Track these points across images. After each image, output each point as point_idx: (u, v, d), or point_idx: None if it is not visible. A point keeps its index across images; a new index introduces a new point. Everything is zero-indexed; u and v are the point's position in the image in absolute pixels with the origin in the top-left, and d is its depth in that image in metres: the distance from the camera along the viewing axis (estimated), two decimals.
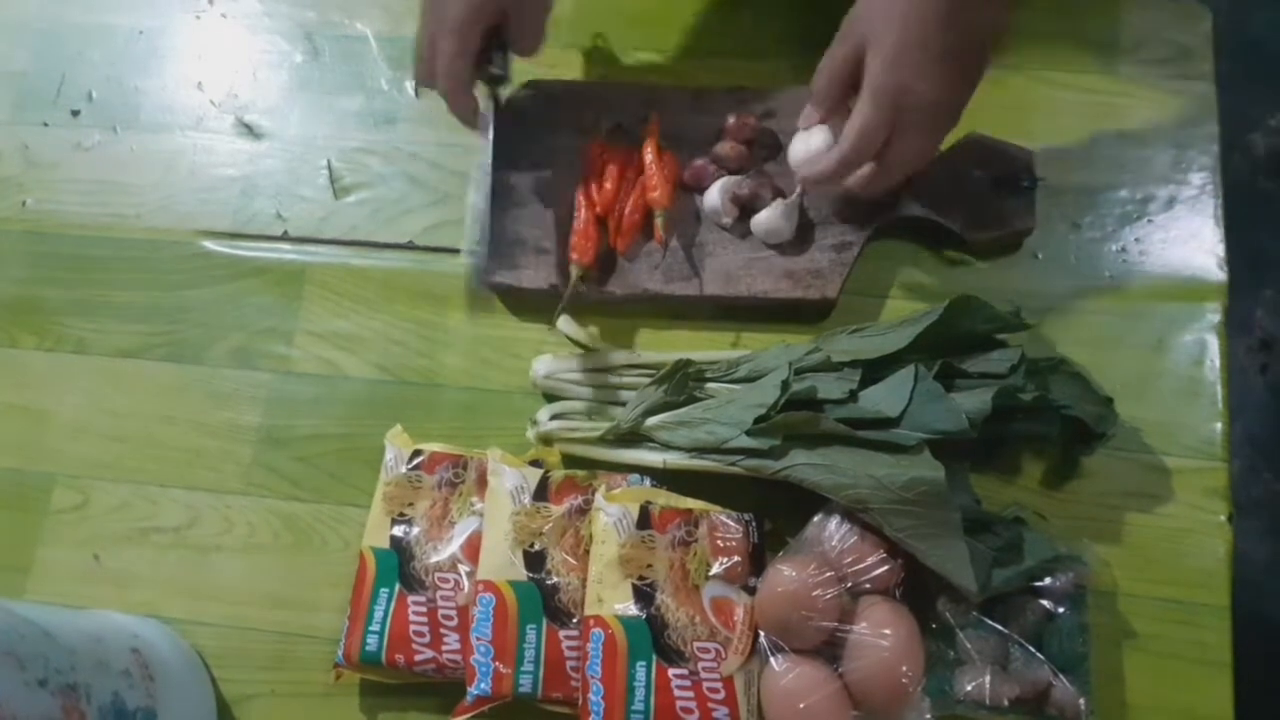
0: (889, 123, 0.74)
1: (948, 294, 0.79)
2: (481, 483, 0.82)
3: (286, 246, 0.95)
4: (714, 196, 0.87)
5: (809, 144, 0.82)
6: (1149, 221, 0.86)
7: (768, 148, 0.89)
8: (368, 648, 0.78)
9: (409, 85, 0.99)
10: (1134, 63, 0.90)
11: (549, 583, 0.78)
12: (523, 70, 0.95)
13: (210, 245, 0.96)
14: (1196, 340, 0.83)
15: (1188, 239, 0.85)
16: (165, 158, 1.00)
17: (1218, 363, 0.82)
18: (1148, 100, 0.89)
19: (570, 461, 0.84)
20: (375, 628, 0.79)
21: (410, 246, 0.94)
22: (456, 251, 0.93)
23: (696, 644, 0.74)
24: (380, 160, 0.97)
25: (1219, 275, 0.84)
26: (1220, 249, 0.85)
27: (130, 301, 0.95)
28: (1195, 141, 0.88)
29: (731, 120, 0.88)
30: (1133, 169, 0.88)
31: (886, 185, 0.81)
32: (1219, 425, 0.81)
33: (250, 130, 1.00)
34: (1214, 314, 0.83)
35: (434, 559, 0.80)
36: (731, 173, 0.88)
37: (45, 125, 1.02)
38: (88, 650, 0.74)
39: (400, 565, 0.81)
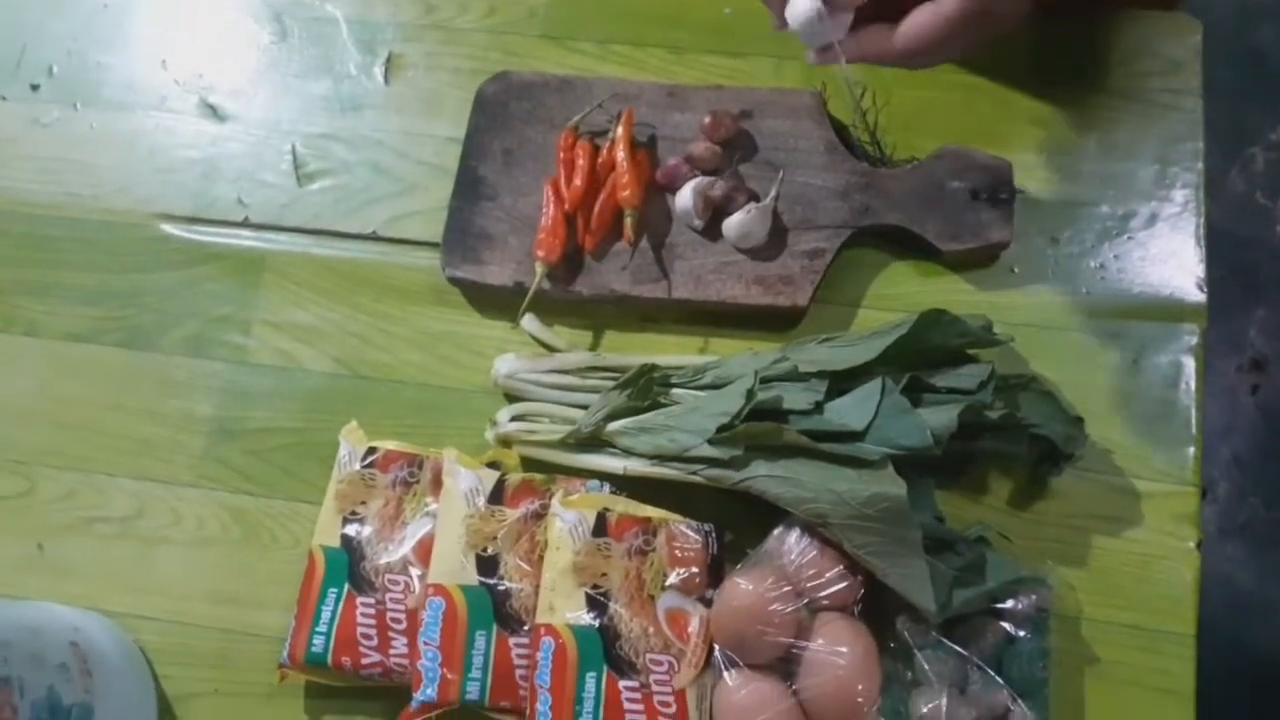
0: (969, 31, 0.65)
1: (920, 305, 0.77)
2: (436, 483, 0.80)
3: (247, 233, 0.93)
4: (686, 198, 0.84)
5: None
6: (1129, 238, 0.85)
7: (743, 149, 0.87)
8: (313, 649, 0.77)
9: (378, 71, 0.97)
10: (1121, 75, 0.88)
11: (501, 588, 0.76)
12: (494, 60, 0.94)
13: (168, 229, 0.94)
14: (1172, 362, 0.81)
15: (1168, 258, 0.84)
16: (126, 137, 0.97)
17: (1193, 385, 0.81)
18: (1133, 114, 0.87)
19: (529, 464, 0.82)
20: (322, 629, 0.77)
21: (374, 237, 0.91)
22: (420, 244, 0.91)
23: (649, 656, 0.73)
24: (345, 147, 0.95)
25: (1198, 296, 0.83)
26: (1201, 269, 0.83)
27: (83, 284, 0.93)
28: (1180, 158, 0.86)
29: (707, 119, 0.86)
30: (1115, 184, 0.86)
31: (891, 65, 0.71)
32: (1192, 450, 0.79)
33: (214, 111, 0.97)
34: (1191, 335, 0.82)
35: (385, 560, 0.78)
36: (705, 174, 0.86)
37: (3, 99, 1.00)
38: (22, 643, 0.72)
39: (350, 565, 0.79)
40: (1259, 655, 1.57)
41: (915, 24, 0.66)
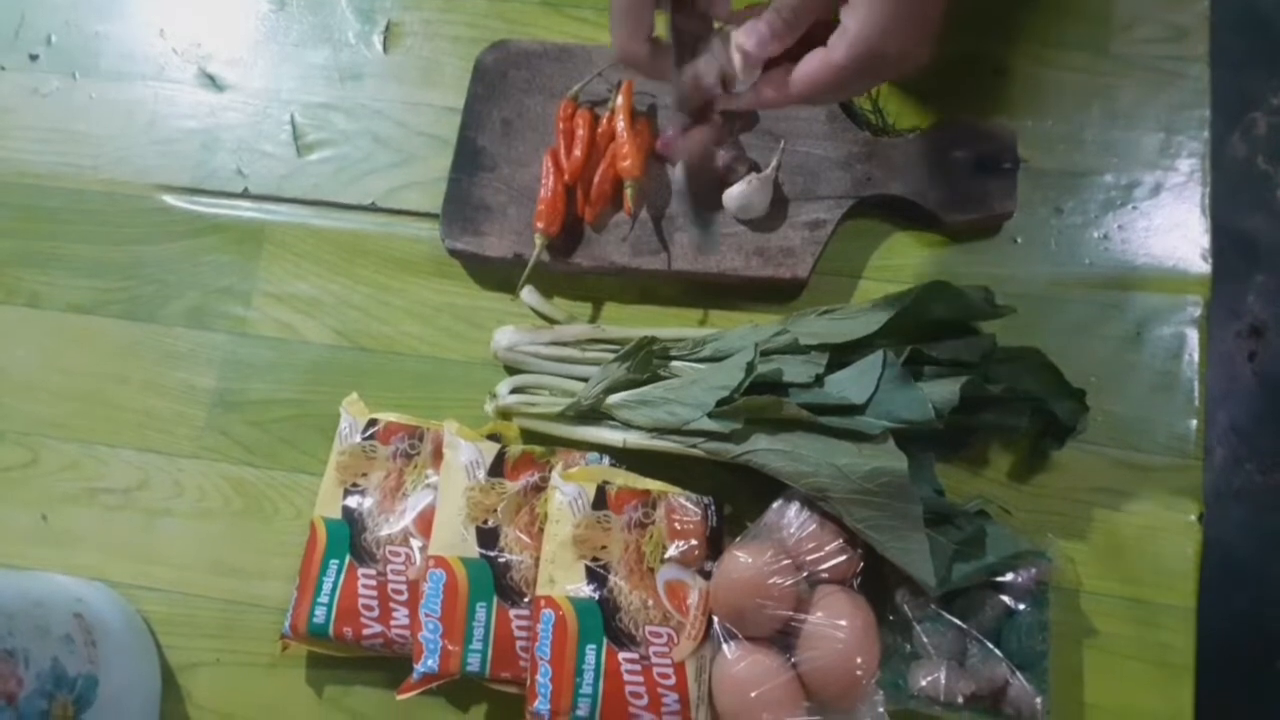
0: (857, 77, 0.65)
1: (922, 276, 0.76)
2: (437, 455, 0.81)
3: (247, 204, 0.93)
4: None
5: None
6: (1133, 208, 0.84)
7: (744, 118, 0.86)
8: (315, 620, 0.77)
9: (376, 39, 0.96)
10: (1126, 41, 0.87)
11: (501, 560, 0.76)
12: (493, 28, 0.93)
13: (169, 200, 0.93)
14: (1176, 333, 0.81)
15: (1172, 228, 0.83)
16: (125, 107, 0.97)
17: (1196, 358, 0.80)
18: (1139, 81, 0.86)
19: (529, 437, 0.82)
20: (324, 600, 0.78)
21: (373, 208, 0.91)
22: (419, 215, 0.90)
23: (649, 628, 0.73)
24: (345, 117, 0.94)
25: (1202, 267, 0.82)
26: (1205, 240, 0.82)
27: (84, 255, 0.93)
28: (1186, 126, 0.85)
29: None
30: (1120, 153, 0.85)
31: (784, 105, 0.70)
32: (1194, 422, 0.79)
33: (213, 81, 0.96)
34: (1195, 307, 0.81)
35: (386, 531, 0.79)
36: None
37: (2, 69, 0.99)
38: (26, 615, 0.73)
39: (351, 537, 0.79)
40: (1252, 618, 1.57)
41: (806, 71, 0.65)
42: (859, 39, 0.62)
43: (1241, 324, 1.72)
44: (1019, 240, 0.84)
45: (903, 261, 0.85)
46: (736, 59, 0.65)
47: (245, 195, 0.93)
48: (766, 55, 0.65)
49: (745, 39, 0.64)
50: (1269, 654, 1.54)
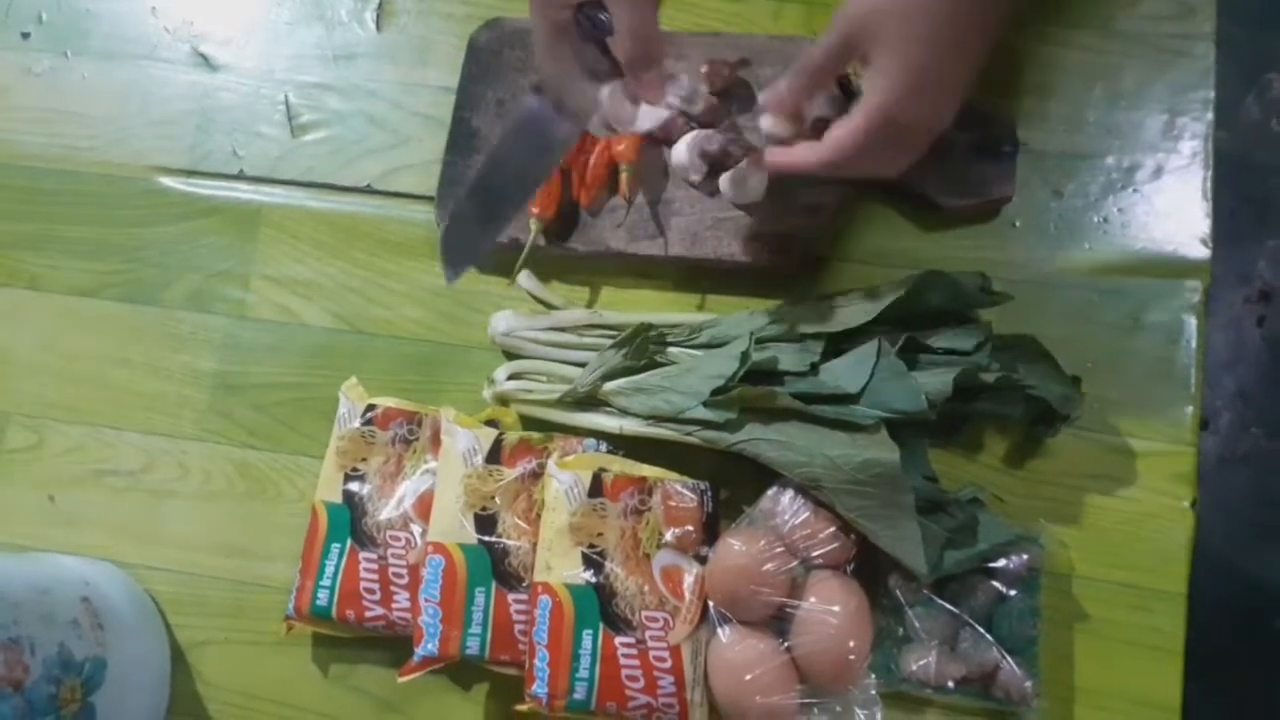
0: (880, 144, 0.70)
1: (920, 261, 0.76)
2: (435, 441, 0.81)
3: (243, 186, 0.92)
4: (682, 152, 0.82)
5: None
6: (1134, 191, 0.82)
7: (741, 99, 0.85)
8: (318, 602, 0.79)
9: (369, 17, 0.95)
10: (1131, 18, 0.85)
11: (499, 546, 0.77)
12: (487, 5, 0.91)
13: (166, 182, 0.93)
14: (1174, 319, 0.80)
15: (1173, 212, 0.82)
16: (118, 87, 0.96)
17: (1194, 344, 0.79)
18: (1143, 60, 0.84)
19: (527, 422, 0.83)
20: (326, 583, 0.79)
21: (368, 190, 0.91)
22: (414, 198, 0.90)
23: (645, 613, 0.74)
24: (339, 97, 0.93)
25: (1202, 252, 0.81)
26: (1207, 224, 0.81)
27: (84, 238, 0.93)
28: (1189, 107, 0.83)
29: (704, 68, 0.84)
30: (1121, 135, 0.83)
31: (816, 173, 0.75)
32: (1190, 409, 0.78)
33: (206, 61, 0.96)
34: (1194, 293, 0.80)
35: (386, 516, 0.80)
36: (702, 126, 0.84)
37: None
38: (32, 603, 0.74)
39: (352, 521, 0.80)
40: (1256, 584, 1.57)
41: (832, 137, 0.70)
42: (876, 107, 0.68)
43: (1251, 289, 1.69)
44: (1018, 224, 0.83)
45: (901, 246, 0.84)
46: (764, 122, 0.76)
47: (241, 177, 0.93)
48: (785, 108, 0.74)
49: (765, 95, 0.74)
50: (1269, 615, 1.56)
